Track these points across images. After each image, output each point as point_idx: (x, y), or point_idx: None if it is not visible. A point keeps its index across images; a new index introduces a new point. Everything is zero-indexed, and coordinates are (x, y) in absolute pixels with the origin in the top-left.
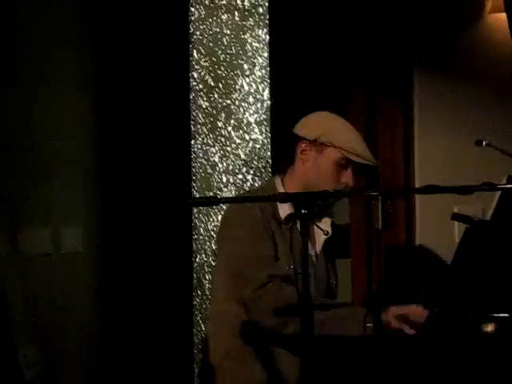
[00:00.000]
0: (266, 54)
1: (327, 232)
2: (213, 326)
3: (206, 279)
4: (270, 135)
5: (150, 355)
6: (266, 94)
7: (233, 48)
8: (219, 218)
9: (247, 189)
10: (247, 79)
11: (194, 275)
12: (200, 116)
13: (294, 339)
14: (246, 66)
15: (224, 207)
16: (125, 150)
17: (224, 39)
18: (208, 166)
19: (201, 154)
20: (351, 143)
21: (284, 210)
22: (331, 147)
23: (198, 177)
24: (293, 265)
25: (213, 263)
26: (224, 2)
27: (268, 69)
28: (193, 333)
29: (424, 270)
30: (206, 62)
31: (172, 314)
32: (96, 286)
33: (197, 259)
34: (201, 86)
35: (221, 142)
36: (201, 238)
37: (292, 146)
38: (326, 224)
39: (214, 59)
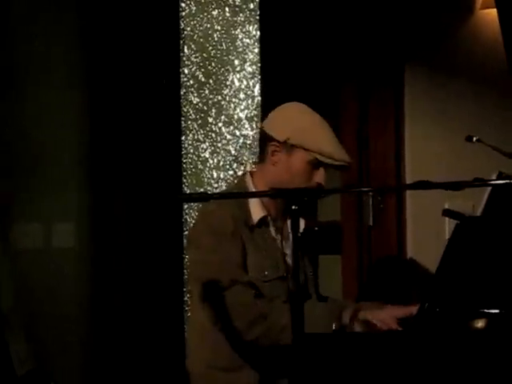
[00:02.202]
0: (256, 50)
1: (315, 226)
2: (193, 336)
3: None
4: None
5: (140, 352)
6: (257, 89)
7: (223, 44)
8: None
9: None
10: (238, 75)
11: (185, 271)
12: (191, 112)
13: (256, 345)
14: (236, 62)
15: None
16: (116, 145)
17: (215, 35)
18: (199, 162)
19: (191, 150)
20: (322, 144)
21: (256, 213)
22: (302, 148)
23: (189, 172)
24: (266, 271)
25: None
26: None
27: (259, 65)
28: (184, 329)
29: (414, 267)
30: (196, 57)
31: (163, 310)
32: (88, 281)
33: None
34: (191, 82)
35: (211, 137)
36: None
37: (263, 144)
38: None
39: (205, 55)
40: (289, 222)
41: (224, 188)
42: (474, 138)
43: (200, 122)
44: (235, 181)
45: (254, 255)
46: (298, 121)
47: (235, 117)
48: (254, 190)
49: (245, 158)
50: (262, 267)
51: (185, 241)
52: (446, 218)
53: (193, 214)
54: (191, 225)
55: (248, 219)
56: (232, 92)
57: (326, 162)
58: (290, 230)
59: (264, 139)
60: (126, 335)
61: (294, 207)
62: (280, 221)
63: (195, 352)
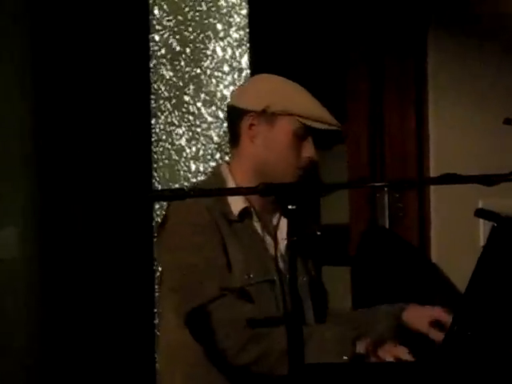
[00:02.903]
0: (244, 12)
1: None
2: (165, 358)
3: None
4: None
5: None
6: (245, 60)
7: (203, 4)
8: None
9: None
10: (221, 43)
11: (156, 286)
12: (163, 89)
13: (247, 371)
14: (219, 27)
15: None
16: (71, 133)
17: None
18: (173, 152)
19: (164, 137)
20: (308, 107)
21: (236, 204)
22: (285, 116)
23: (161, 164)
24: (252, 272)
25: None
26: None
27: (247, 30)
28: (154, 351)
29: (441, 278)
30: (169, 21)
31: (129, 327)
32: (36, 298)
33: (159, 267)
34: (163, 52)
35: (188, 120)
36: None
37: (234, 123)
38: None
39: (180, 18)
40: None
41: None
42: None
43: (174, 101)
44: (209, 174)
45: (235, 254)
46: (276, 87)
47: (218, 95)
48: (232, 181)
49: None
50: (245, 268)
51: (156, 247)
52: (480, 220)
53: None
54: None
55: (226, 211)
56: (214, 64)
57: (316, 127)
58: (284, 236)
59: (235, 117)
60: (84, 360)
61: (290, 207)
62: (266, 214)
63: (168, 379)
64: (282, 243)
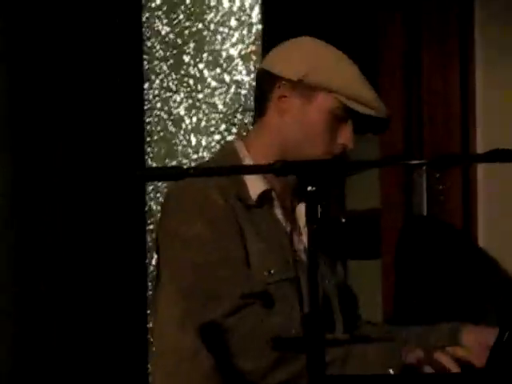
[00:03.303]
0: None
1: (340, 217)
2: (160, 365)
3: None
4: None
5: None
6: (256, 14)
7: None
8: None
9: None
10: None
11: (149, 284)
12: (158, 47)
13: None
14: None
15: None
16: (51, 101)
17: None
18: (169, 122)
19: (159, 105)
20: (353, 85)
21: (255, 185)
22: (324, 91)
23: (155, 138)
24: (272, 268)
25: None
26: None
27: None
28: (147, 368)
29: (492, 276)
30: None
31: (122, 328)
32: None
33: (153, 260)
34: (158, 2)
35: (188, 85)
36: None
37: (263, 91)
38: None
39: None
40: (302, 206)
41: (206, 160)
42: None
43: (172, 61)
44: (220, 150)
45: (253, 245)
46: (319, 55)
47: (223, 54)
48: (249, 160)
49: (238, 116)
50: (265, 263)
51: (148, 237)
52: None
53: (161, 199)
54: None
55: (244, 195)
56: (219, 17)
57: (358, 110)
58: (304, 222)
59: (265, 84)
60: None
61: (310, 188)
62: (289, 199)
63: None
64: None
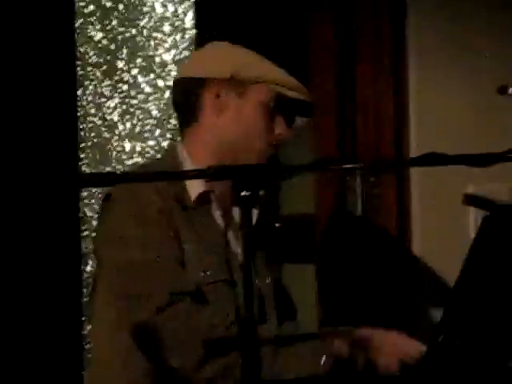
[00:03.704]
0: None
1: (274, 222)
2: (97, 370)
3: None
4: None
5: None
6: (189, 19)
7: None
8: None
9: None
10: None
11: (84, 290)
12: (91, 53)
13: None
14: None
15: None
16: None
17: None
18: (103, 128)
19: (92, 110)
20: (277, 74)
21: (194, 187)
22: (255, 85)
23: (89, 144)
24: (208, 269)
25: None
26: None
27: None
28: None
29: (425, 275)
30: None
31: (57, 335)
32: None
33: (87, 267)
34: (92, 8)
35: (122, 91)
36: (93, 235)
37: (190, 99)
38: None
39: None
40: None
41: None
42: (511, 89)
43: (105, 67)
44: (160, 155)
45: (190, 246)
46: (238, 52)
47: (157, 60)
48: (190, 164)
49: (172, 121)
50: (201, 264)
51: (83, 244)
52: (470, 208)
53: (95, 205)
54: (94, 219)
55: (182, 196)
56: (152, 23)
57: (289, 96)
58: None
59: (192, 90)
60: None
61: (244, 193)
62: (229, 202)
63: None
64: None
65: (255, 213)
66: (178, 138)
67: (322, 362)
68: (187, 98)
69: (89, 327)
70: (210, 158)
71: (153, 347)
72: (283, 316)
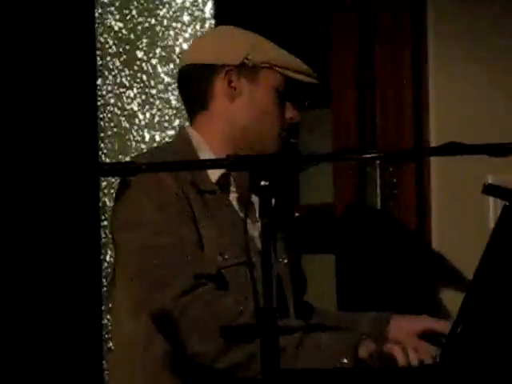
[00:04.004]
0: None
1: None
2: (117, 357)
3: None
4: None
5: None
6: (209, 9)
7: None
8: None
9: None
10: None
11: (104, 280)
12: (110, 42)
13: (232, 377)
14: None
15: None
16: (1, 97)
17: None
18: (123, 118)
19: (112, 100)
20: (287, 57)
21: (214, 170)
22: (267, 69)
23: (109, 133)
24: (226, 253)
25: None
26: None
27: None
28: (102, 357)
29: (443, 267)
30: None
31: (77, 325)
32: None
33: (107, 257)
34: None
35: (142, 81)
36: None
37: (200, 85)
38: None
39: None
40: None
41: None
42: None
43: (124, 57)
44: (174, 138)
45: (207, 230)
46: (247, 37)
47: (177, 50)
48: (204, 146)
49: None
50: (219, 247)
51: (103, 234)
52: (490, 198)
53: (114, 195)
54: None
55: (199, 179)
56: (171, 13)
57: (300, 80)
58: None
59: (202, 77)
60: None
61: (263, 183)
62: (246, 185)
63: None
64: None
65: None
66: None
67: (342, 362)
68: (197, 85)
69: (108, 317)
70: (224, 144)
71: (174, 331)
72: (299, 302)
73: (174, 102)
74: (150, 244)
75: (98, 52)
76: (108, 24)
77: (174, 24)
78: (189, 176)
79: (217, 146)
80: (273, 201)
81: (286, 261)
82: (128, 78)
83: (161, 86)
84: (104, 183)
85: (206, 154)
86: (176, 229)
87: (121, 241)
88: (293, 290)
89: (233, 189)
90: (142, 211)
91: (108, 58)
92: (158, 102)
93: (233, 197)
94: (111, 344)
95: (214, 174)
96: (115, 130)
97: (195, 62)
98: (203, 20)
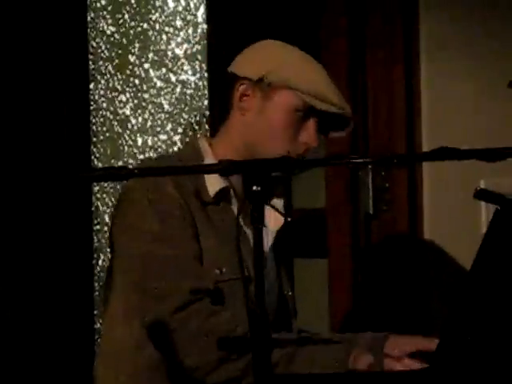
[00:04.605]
0: None
1: (286, 216)
2: (103, 366)
3: None
4: (206, 75)
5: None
6: (201, 13)
7: None
8: None
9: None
10: None
11: (96, 284)
12: (103, 47)
13: None
14: None
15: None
16: None
17: None
18: (115, 122)
19: (104, 105)
20: (313, 82)
21: (213, 183)
22: (285, 89)
23: (101, 138)
24: (224, 267)
25: None
26: None
27: None
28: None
29: (436, 271)
30: None
31: (69, 330)
32: None
33: (99, 261)
34: (103, 2)
35: (134, 86)
36: (105, 229)
37: (227, 92)
38: (277, 206)
39: None
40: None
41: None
42: None
43: (117, 61)
44: (184, 147)
45: (207, 243)
46: (278, 53)
47: (169, 54)
48: (209, 159)
49: (184, 115)
50: (216, 261)
51: (95, 238)
52: (481, 203)
53: (107, 200)
54: (106, 213)
55: (200, 190)
56: (164, 17)
57: (320, 108)
58: (268, 225)
59: (229, 85)
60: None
61: (255, 188)
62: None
63: None
64: (269, 234)
65: (281, 203)
66: (190, 133)
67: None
68: (226, 91)
69: (100, 321)
70: (232, 153)
71: (168, 343)
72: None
73: (166, 107)
74: (150, 254)
75: (90, 56)
76: (100, 28)
77: (166, 28)
78: (192, 187)
79: (221, 157)
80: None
81: (290, 293)
82: (120, 83)
83: (153, 91)
84: (96, 188)
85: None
86: (177, 240)
87: (121, 248)
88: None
89: (235, 202)
90: (144, 220)
91: (100, 63)
92: (150, 107)
93: (235, 209)
94: (100, 345)
95: (212, 188)
96: (107, 134)
97: (229, 69)
98: (196, 24)
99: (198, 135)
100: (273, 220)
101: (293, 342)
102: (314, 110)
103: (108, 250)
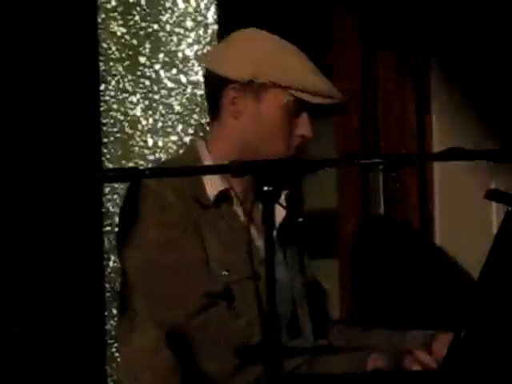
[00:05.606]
0: None
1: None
2: (123, 372)
3: None
4: None
5: None
6: (212, 14)
7: None
8: None
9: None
10: None
11: (107, 285)
12: (113, 48)
13: None
14: None
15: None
16: (4, 103)
17: None
18: (126, 123)
19: (115, 106)
20: (302, 76)
21: (213, 186)
22: (275, 88)
23: (111, 139)
24: (230, 267)
25: None
26: None
27: None
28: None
29: (447, 272)
30: None
31: (80, 330)
32: None
33: (110, 262)
34: (114, 4)
35: (145, 86)
36: (116, 230)
37: (213, 92)
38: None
39: None
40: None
41: (166, 159)
42: None
43: (128, 62)
44: (181, 150)
45: (212, 245)
46: (264, 50)
47: (179, 55)
48: (209, 160)
49: (195, 116)
50: (223, 262)
51: (105, 239)
52: (493, 203)
53: (118, 201)
54: (116, 214)
55: (200, 194)
56: (175, 18)
57: (313, 102)
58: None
59: (214, 84)
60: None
61: (266, 188)
62: (250, 200)
63: None
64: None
65: (282, 211)
66: (201, 134)
67: None
68: (210, 90)
69: (111, 322)
70: (229, 157)
71: (186, 349)
72: (319, 324)
73: (177, 108)
74: (157, 262)
75: (100, 57)
76: (111, 29)
77: (176, 29)
78: (191, 192)
79: (222, 158)
80: (281, 210)
81: (300, 283)
82: (131, 84)
83: (164, 92)
84: (107, 189)
85: None
86: (182, 246)
87: (125, 258)
88: (310, 312)
89: (237, 202)
90: (147, 230)
91: (111, 64)
92: (161, 108)
93: (238, 210)
94: (118, 355)
95: (212, 191)
96: (118, 135)
97: (211, 67)
98: (206, 25)
99: (195, 138)
100: (276, 213)
101: (310, 351)
102: (304, 103)
103: None
